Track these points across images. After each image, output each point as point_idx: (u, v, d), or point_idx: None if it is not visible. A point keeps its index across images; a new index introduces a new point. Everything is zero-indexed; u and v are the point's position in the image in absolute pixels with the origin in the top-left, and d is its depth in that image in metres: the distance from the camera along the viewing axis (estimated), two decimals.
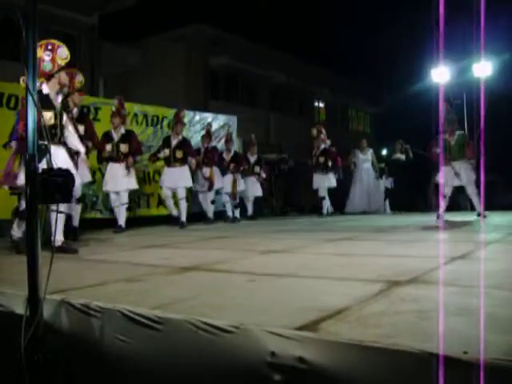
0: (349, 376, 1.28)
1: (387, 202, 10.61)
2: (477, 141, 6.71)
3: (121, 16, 14.58)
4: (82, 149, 4.42)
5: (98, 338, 1.76)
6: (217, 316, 1.60)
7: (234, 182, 8.25)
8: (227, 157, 8.38)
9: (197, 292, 2.11)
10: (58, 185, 1.77)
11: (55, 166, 1.83)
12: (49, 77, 3.95)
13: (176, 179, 7.02)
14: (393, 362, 1.24)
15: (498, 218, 6.68)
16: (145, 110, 8.32)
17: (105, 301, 1.86)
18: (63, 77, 4.04)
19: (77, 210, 5.47)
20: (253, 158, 8.91)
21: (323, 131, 9.51)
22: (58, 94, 4.08)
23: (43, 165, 1.79)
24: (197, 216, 8.12)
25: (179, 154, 7.03)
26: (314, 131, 9.52)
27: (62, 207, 4.01)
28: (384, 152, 14.27)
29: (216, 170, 7.97)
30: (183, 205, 7.04)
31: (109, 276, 2.62)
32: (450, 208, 7.10)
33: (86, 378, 1.80)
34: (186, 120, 8.74)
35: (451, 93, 9.08)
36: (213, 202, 8.08)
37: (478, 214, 6.69)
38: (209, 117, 9.57)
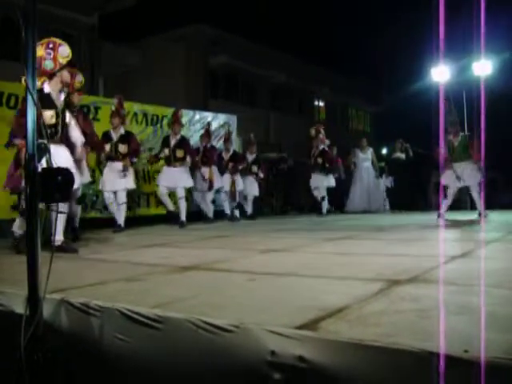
0: (349, 375, 1.28)
1: (387, 201, 10.62)
2: (478, 139, 6.71)
3: (121, 16, 14.59)
4: (81, 138, 4.33)
5: (98, 337, 1.76)
6: (217, 315, 1.60)
7: (233, 182, 8.26)
8: (226, 156, 8.38)
9: (197, 291, 2.10)
10: (57, 184, 1.77)
11: (55, 165, 1.83)
12: (50, 76, 3.92)
13: (176, 179, 7.02)
14: (393, 361, 1.24)
15: (498, 217, 6.68)
16: (144, 109, 8.31)
17: (104, 300, 1.86)
18: (65, 75, 4.00)
19: (77, 210, 5.48)
20: (251, 157, 8.90)
21: (322, 131, 9.49)
22: (60, 92, 4.05)
23: (43, 164, 1.78)
24: (195, 215, 8.12)
25: (179, 154, 7.03)
26: (313, 131, 9.51)
27: (64, 209, 4.01)
28: (384, 151, 14.28)
29: (215, 169, 7.97)
30: (183, 204, 7.04)
31: (108, 275, 2.62)
32: (451, 207, 7.10)
33: (85, 377, 1.80)
34: (186, 119, 8.74)
35: (451, 92, 9.07)
36: (213, 202, 8.09)
37: (479, 214, 6.69)
38: (209, 116, 9.57)
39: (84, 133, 5.23)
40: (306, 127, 9.94)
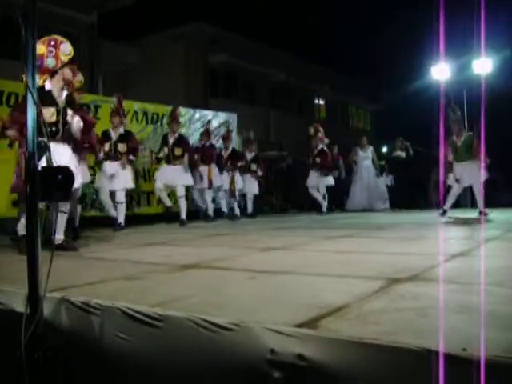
0: (348, 373, 1.28)
1: (387, 200, 10.63)
2: (478, 138, 6.71)
3: (120, 14, 14.57)
4: (80, 123, 4.17)
5: (98, 335, 1.76)
6: (217, 313, 1.60)
7: (232, 180, 8.26)
8: (225, 154, 8.39)
9: (197, 290, 2.11)
10: (57, 183, 1.76)
11: (56, 164, 1.83)
12: (52, 73, 3.89)
13: (175, 177, 7.02)
14: (393, 359, 1.24)
15: (498, 216, 6.68)
16: (145, 107, 8.32)
17: (104, 298, 1.86)
18: (67, 73, 3.96)
19: (77, 210, 5.49)
20: (250, 155, 8.89)
21: (321, 130, 9.47)
22: (62, 90, 4.02)
23: (43, 162, 1.78)
24: (195, 213, 8.13)
25: (178, 152, 7.04)
26: (312, 130, 9.50)
27: (65, 208, 4.00)
28: (384, 149, 14.27)
29: (214, 167, 7.97)
30: (183, 203, 7.05)
31: (108, 274, 2.62)
32: (451, 205, 7.12)
33: (86, 376, 1.80)
34: (186, 118, 8.76)
35: (451, 90, 9.07)
36: (213, 201, 8.10)
37: (479, 212, 6.70)
38: (209, 114, 9.57)
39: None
40: (306, 126, 9.92)
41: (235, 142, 9.61)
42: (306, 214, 9.91)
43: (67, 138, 4.04)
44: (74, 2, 12.58)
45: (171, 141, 7.10)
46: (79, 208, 5.61)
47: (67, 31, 12.45)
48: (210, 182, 7.78)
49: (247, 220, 8.13)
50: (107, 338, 1.73)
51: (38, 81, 3.75)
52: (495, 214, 6.80)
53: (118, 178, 6.30)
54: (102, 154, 6.27)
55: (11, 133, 3.98)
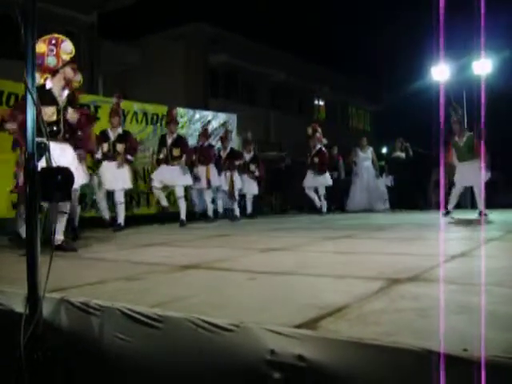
0: (348, 374, 1.28)
1: (387, 200, 10.62)
2: (478, 137, 6.72)
3: (120, 14, 14.58)
4: (75, 114, 4.06)
5: (98, 336, 1.76)
6: (216, 314, 1.60)
7: (231, 181, 8.24)
8: (223, 155, 8.38)
9: (196, 290, 2.10)
10: (57, 183, 1.76)
11: (57, 164, 1.82)
12: (53, 72, 3.86)
13: (174, 177, 7.01)
14: (393, 360, 1.23)
15: (498, 217, 6.68)
16: (144, 108, 8.32)
17: (104, 299, 1.86)
18: (68, 72, 3.93)
19: (76, 210, 5.48)
20: (248, 156, 8.87)
21: (319, 130, 9.46)
22: (63, 89, 3.98)
23: (42, 163, 1.78)
24: (191, 214, 8.11)
25: (176, 152, 7.02)
26: (310, 130, 9.49)
27: (65, 209, 3.98)
28: (384, 150, 14.27)
29: (213, 168, 7.96)
30: (182, 203, 7.04)
31: (108, 274, 2.61)
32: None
33: (85, 377, 1.80)
34: (186, 118, 8.75)
35: (451, 91, 9.07)
36: (213, 201, 8.09)
37: (479, 213, 6.70)
38: (209, 115, 9.57)
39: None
40: (306, 126, 9.91)
41: (235, 142, 9.61)
42: (306, 214, 9.91)
43: (69, 137, 4.02)
44: (73, 2, 12.58)
45: (169, 141, 7.08)
46: (79, 208, 5.60)
47: (67, 31, 12.47)
48: (209, 181, 7.77)
49: (247, 221, 8.12)
50: (107, 338, 1.73)
51: (39, 80, 3.74)
52: (495, 215, 6.80)
53: (117, 178, 6.28)
54: (99, 154, 6.26)
55: (10, 126, 3.94)
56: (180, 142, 7.16)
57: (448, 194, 7.11)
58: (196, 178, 7.68)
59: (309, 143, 9.50)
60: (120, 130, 6.43)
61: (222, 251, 3.72)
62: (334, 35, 25.68)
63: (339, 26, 28.30)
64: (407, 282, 2.13)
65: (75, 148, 4.07)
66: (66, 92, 4.02)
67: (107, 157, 6.31)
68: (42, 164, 1.75)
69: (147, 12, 16.97)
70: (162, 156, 7.10)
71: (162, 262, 3.04)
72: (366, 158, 10.71)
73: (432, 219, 6.76)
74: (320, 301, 1.78)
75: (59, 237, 3.90)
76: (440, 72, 10.98)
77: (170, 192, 7.86)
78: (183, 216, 6.98)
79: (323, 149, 9.40)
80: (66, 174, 1.81)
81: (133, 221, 7.01)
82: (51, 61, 3.80)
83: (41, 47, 3.66)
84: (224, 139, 8.45)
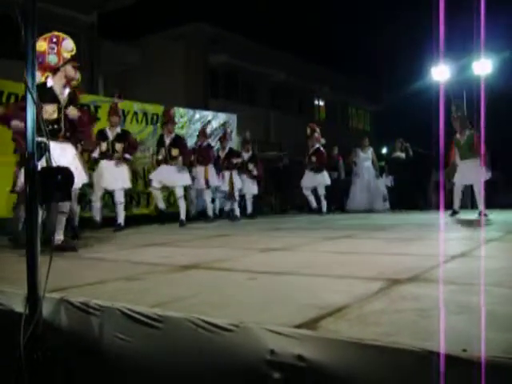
0: (348, 374, 1.28)
1: (387, 201, 10.63)
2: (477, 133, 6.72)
3: (120, 14, 14.58)
4: (75, 111, 4.03)
5: (98, 336, 1.76)
6: (217, 314, 1.60)
7: (231, 181, 8.24)
8: (222, 155, 8.38)
9: (197, 290, 2.10)
10: (57, 183, 1.76)
11: (59, 164, 1.82)
12: (54, 70, 3.84)
13: (173, 178, 7.00)
14: (393, 360, 1.23)
15: (497, 217, 6.68)
16: (144, 108, 8.32)
17: (104, 299, 1.85)
18: (69, 70, 3.90)
19: (76, 210, 5.49)
20: (247, 155, 8.87)
21: (317, 129, 9.47)
22: (64, 87, 3.96)
23: (42, 163, 1.78)
24: (195, 214, 8.12)
25: (174, 152, 7.02)
26: (308, 130, 9.50)
27: (65, 209, 3.98)
28: (384, 150, 14.27)
29: (211, 168, 7.95)
30: (182, 203, 7.04)
31: (108, 274, 2.61)
32: (451, 205, 7.11)
33: (85, 377, 1.80)
34: (185, 118, 8.75)
35: (451, 91, 9.06)
36: (212, 201, 8.10)
37: (479, 213, 6.70)
38: (209, 115, 9.57)
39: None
40: (306, 126, 9.92)
41: (235, 142, 9.60)
42: (306, 214, 9.91)
43: (70, 136, 3.99)
44: (74, 2, 12.57)
45: (168, 141, 7.07)
46: (78, 208, 5.60)
47: (67, 31, 12.45)
48: (207, 181, 7.77)
49: (247, 221, 8.12)
50: (107, 338, 1.73)
51: (40, 78, 3.72)
52: (495, 215, 6.81)
53: (116, 178, 6.27)
54: (97, 153, 6.25)
55: (15, 123, 3.87)
56: (178, 142, 7.16)
57: (449, 194, 7.13)
58: (193, 179, 7.68)
59: (307, 143, 9.51)
60: (119, 130, 6.42)
61: (222, 251, 3.72)
62: (334, 35, 25.70)
63: (339, 26, 28.33)
64: (407, 283, 2.13)
65: (76, 145, 4.06)
66: (67, 90, 4.00)
67: (105, 156, 6.29)
68: (42, 164, 1.75)
69: (147, 12, 17.00)
70: (160, 157, 7.10)
71: (161, 262, 3.04)
72: (366, 158, 10.71)
73: (432, 219, 6.76)
74: (320, 301, 1.78)
75: (59, 237, 3.90)
76: (440, 72, 10.98)
77: (170, 192, 7.87)
78: (183, 216, 6.97)
79: (321, 148, 9.39)
80: (66, 174, 1.81)
81: (133, 221, 7.01)
82: (52, 59, 3.78)
83: (41, 45, 3.66)
84: (223, 139, 8.45)
